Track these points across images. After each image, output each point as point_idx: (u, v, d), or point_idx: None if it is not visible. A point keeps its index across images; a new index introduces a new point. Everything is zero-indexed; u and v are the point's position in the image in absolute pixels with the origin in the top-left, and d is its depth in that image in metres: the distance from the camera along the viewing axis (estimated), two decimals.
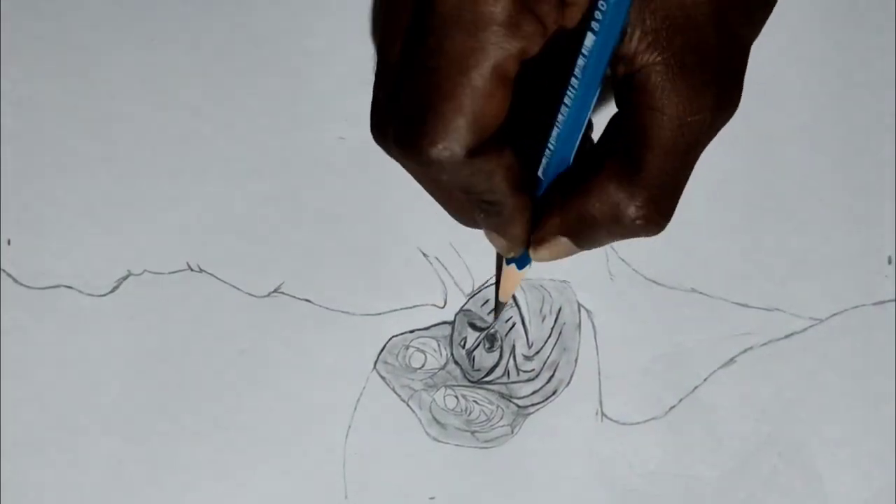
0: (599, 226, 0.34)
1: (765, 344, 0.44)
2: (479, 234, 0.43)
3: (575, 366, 0.44)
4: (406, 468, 0.43)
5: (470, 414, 0.43)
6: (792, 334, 0.44)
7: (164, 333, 0.43)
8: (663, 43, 0.32)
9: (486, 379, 0.44)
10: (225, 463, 0.43)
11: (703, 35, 0.33)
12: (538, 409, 0.44)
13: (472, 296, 0.44)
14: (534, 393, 0.44)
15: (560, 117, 0.33)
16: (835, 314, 0.44)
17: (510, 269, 0.39)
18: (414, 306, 0.44)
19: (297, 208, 0.44)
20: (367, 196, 0.44)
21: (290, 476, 0.43)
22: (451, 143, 0.32)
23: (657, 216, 0.34)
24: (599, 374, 0.44)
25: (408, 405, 0.43)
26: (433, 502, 0.43)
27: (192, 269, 0.43)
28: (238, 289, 0.43)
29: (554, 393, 0.44)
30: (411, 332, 0.43)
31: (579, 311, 0.44)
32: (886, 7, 0.43)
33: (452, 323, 0.44)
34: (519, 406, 0.44)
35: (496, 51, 0.31)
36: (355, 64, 0.44)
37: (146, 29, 0.44)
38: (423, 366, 0.43)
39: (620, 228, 0.34)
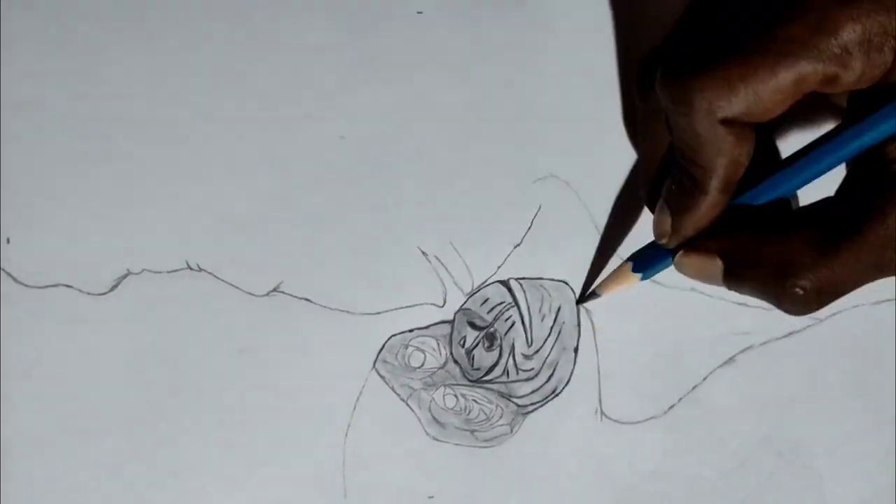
0: (760, 269, 0.34)
1: (764, 343, 0.44)
2: (480, 233, 0.44)
3: (574, 365, 0.44)
4: (405, 467, 0.43)
5: (469, 413, 0.43)
6: (792, 334, 0.44)
7: (164, 332, 0.43)
8: None
9: (486, 378, 0.44)
10: (224, 462, 0.43)
11: None
12: (538, 409, 0.44)
13: (472, 295, 0.44)
14: (533, 392, 0.44)
15: (810, 155, 0.34)
16: (834, 313, 0.44)
17: (627, 268, 0.39)
18: (413, 305, 0.43)
19: (297, 208, 0.44)
20: (366, 196, 0.44)
21: (289, 475, 0.43)
22: (718, 99, 0.32)
23: (815, 299, 0.34)
24: (599, 373, 0.44)
25: (407, 404, 0.43)
26: (432, 501, 0.43)
27: (191, 269, 0.43)
28: (237, 288, 0.43)
29: (553, 392, 0.44)
30: (410, 331, 0.43)
31: (578, 310, 0.44)
32: None
33: (452, 322, 0.44)
34: (518, 405, 0.44)
35: (817, 59, 0.31)
36: (355, 63, 0.44)
37: (146, 29, 0.44)
38: (422, 365, 0.43)
39: (776, 285, 0.34)
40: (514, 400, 0.44)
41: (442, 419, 0.43)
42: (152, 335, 0.43)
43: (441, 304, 0.44)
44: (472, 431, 0.43)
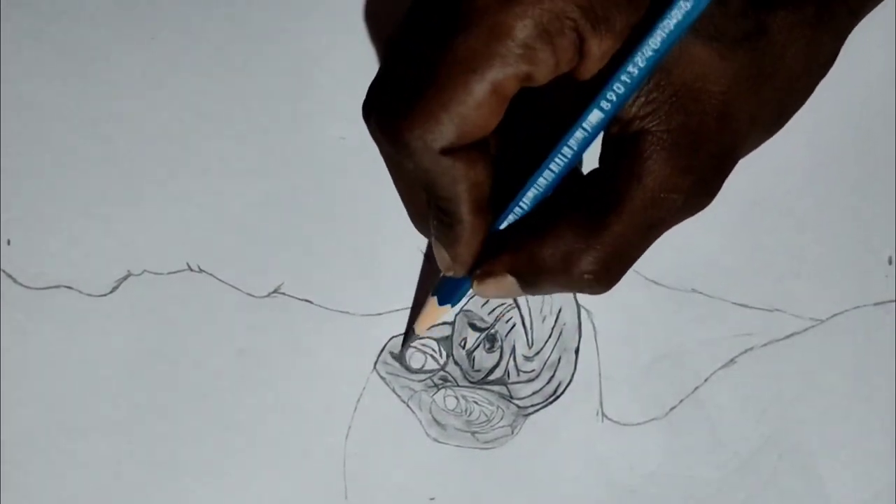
0: (548, 272, 0.34)
1: (765, 344, 0.44)
2: None
3: (575, 366, 0.44)
4: (406, 469, 0.43)
5: (470, 414, 0.43)
6: (792, 334, 0.44)
7: (164, 333, 0.43)
8: (662, 116, 0.32)
9: (487, 379, 0.44)
10: (225, 463, 0.43)
11: (703, 124, 0.33)
12: (538, 410, 0.44)
13: (472, 296, 0.44)
14: (534, 393, 0.44)
15: (548, 164, 0.34)
16: (835, 314, 0.44)
17: (433, 303, 0.39)
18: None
19: (297, 208, 0.44)
20: (367, 196, 0.44)
21: (290, 476, 0.43)
22: (427, 133, 0.32)
23: (605, 277, 0.34)
24: (600, 374, 0.44)
25: (408, 406, 0.43)
26: (433, 503, 0.43)
27: (191, 270, 0.43)
28: (238, 289, 0.43)
29: (554, 393, 0.44)
30: None
31: (579, 311, 0.44)
32: (886, 7, 0.43)
33: (452, 323, 0.44)
34: (519, 406, 0.44)
35: (502, 65, 0.31)
36: (356, 64, 0.44)
37: (146, 29, 0.44)
38: (423, 366, 0.43)
39: (567, 279, 0.34)
40: (515, 401, 0.44)
41: (442, 421, 0.43)
42: (153, 336, 0.43)
43: None
44: (473, 433, 0.43)
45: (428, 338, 0.43)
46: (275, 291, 0.43)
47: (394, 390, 0.43)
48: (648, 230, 0.34)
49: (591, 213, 0.34)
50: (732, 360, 0.44)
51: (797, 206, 0.44)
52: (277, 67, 0.44)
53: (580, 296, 0.44)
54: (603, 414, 0.44)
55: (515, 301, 0.44)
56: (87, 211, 0.43)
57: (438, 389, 0.43)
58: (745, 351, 0.44)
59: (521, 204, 0.35)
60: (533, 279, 0.35)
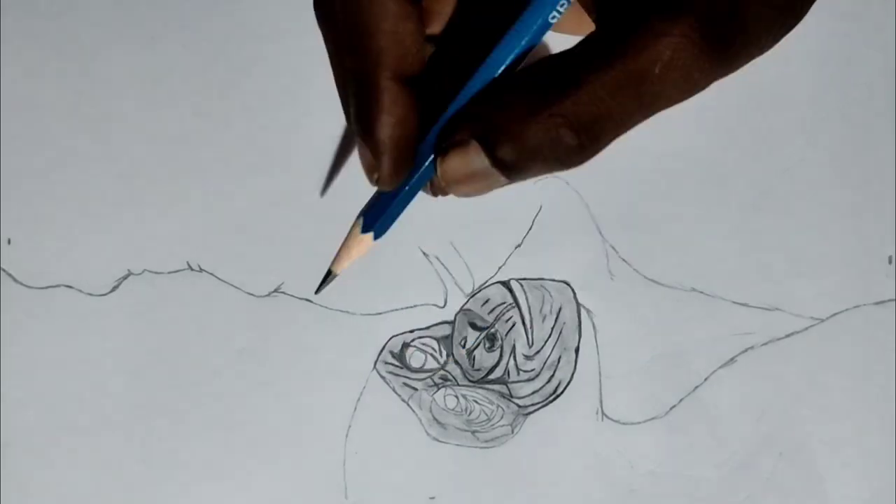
0: (518, 125, 0.27)
1: (765, 344, 0.44)
2: (480, 233, 0.44)
3: (575, 366, 0.44)
4: (406, 468, 0.43)
5: (470, 414, 0.43)
6: (792, 334, 0.44)
7: (164, 333, 0.43)
8: None
9: (487, 379, 0.44)
10: (225, 463, 0.43)
11: None
12: (538, 409, 0.44)
13: (473, 295, 0.44)
14: (534, 393, 0.44)
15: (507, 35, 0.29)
16: (835, 314, 0.44)
17: (361, 237, 0.32)
18: (414, 306, 0.43)
19: (297, 208, 0.44)
20: (367, 196, 0.44)
21: (290, 476, 0.43)
22: None
23: (582, 133, 0.27)
24: (600, 373, 0.44)
25: (408, 405, 0.43)
26: (433, 502, 0.43)
27: (192, 269, 0.43)
28: (238, 288, 0.43)
29: (554, 393, 0.44)
30: (411, 331, 0.43)
31: (579, 311, 0.44)
32: (886, 7, 0.43)
33: (453, 322, 0.44)
34: (519, 406, 0.44)
35: None
36: None
37: (146, 29, 0.44)
38: (423, 365, 0.43)
39: (543, 132, 0.27)
40: (515, 400, 0.44)
41: (443, 420, 0.43)
42: (153, 336, 0.43)
43: (442, 305, 0.44)
44: (473, 432, 0.43)
45: (429, 337, 0.44)
46: (275, 291, 0.43)
47: (394, 389, 0.43)
48: (630, 87, 0.27)
49: (569, 65, 0.27)
50: (732, 360, 0.44)
51: (797, 206, 0.44)
52: (277, 67, 0.44)
53: (579, 296, 0.44)
54: (603, 413, 0.44)
55: (515, 300, 0.44)
56: (87, 211, 0.43)
57: (438, 388, 0.43)
58: (745, 350, 0.44)
59: (482, 74, 0.29)
60: (501, 141, 0.27)
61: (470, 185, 0.29)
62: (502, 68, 0.29)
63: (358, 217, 0.32)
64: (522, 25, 0.29)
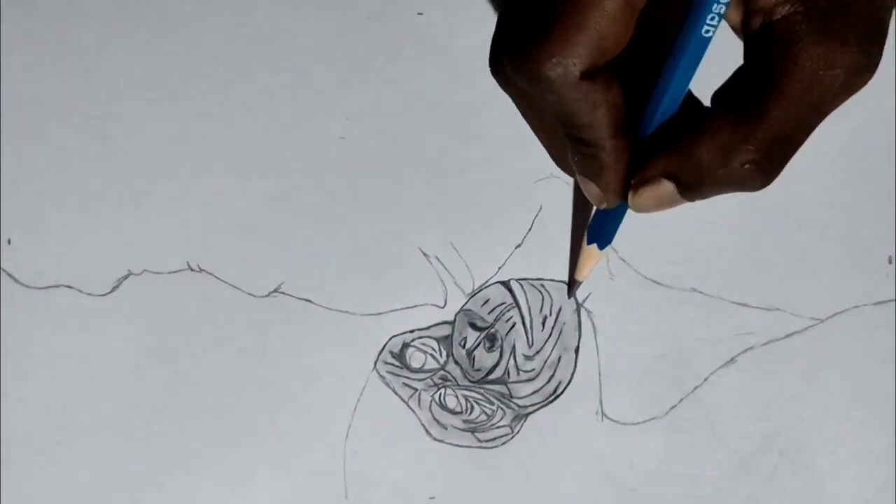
0: (706, 168, 0.32)
1: (765, 344, 0.44)
2: (480, 233, 0.44)
3: (575, 366, 0.44)
4: (406, 468, 0.43)
5: (470, 414, 0.43)
6: (792, 334, 0.44)
7: (164, 333, 0.43)
8: None
9: (487, 379, 0.44)
10: (225, 463, 0.43)
11: None
12: (538, 409, 0.44)
13: (473, 295, 0.44)
14: (534, 393, 0.44)
15: (674, 60, 0.32)
16: (835, 314, 0.44)
17: (591, 249, 0.40)
18: (414, 306, 0.43)
19: (297, 208, 0.44)
20: (366, 196, 0.44)
21: (290, 476, 0.43)
22: (568, 58, 0.31)
23: (767, 166, 0.32)
24: (600, 373, 0.44)
25: (408, 405, 0.43)
26: (433, 502, 0.43)
27: (191, 269, 0.43)
28: (238, 288, 0.43)
29: (554, 393, 0.44)
30: (411, 331, 0.43)
31: (579, 310, 0.44)
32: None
33: (453, 323, 0.44)
34: (519, 406, 0.44)
35: None
36: (356, 62, 0.44)
37: (146, 29, 0.44)
38: (423, 365, 0.43)
39: (727, 173, 0.32)
40: (515, 401, 0.44)
41: (443, 420, 0.43)
42: (153, 336, 0.43)
43: (442, 305, 0.44)
44: (473, 432, 0.43)
45: (429, 337, 0.44)
46: (275, 291, 0.43)
47: (394, 389, 0.43)
48: (809, 113, 0.32)
49: (747, 104, 0.32)
50: (732, 360, 0.44)
51: (797, 206, 0.44)
52: (277, 66, 0.44)
53: (579, 295, 0.44)
54: (603, 413, 0.44)
55: (515, 300, 0.44)
56: (88, 210, 0.43)
57: (438, 389, 0.43)
58: (745, 350, 0.44)
59: (663, 105, 0.33)
60: (690, 178, 0.33)
61: (655, 209, 0.35)
62: (680, 92, 0.33)
63: (587, 241, 0.40)
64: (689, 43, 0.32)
